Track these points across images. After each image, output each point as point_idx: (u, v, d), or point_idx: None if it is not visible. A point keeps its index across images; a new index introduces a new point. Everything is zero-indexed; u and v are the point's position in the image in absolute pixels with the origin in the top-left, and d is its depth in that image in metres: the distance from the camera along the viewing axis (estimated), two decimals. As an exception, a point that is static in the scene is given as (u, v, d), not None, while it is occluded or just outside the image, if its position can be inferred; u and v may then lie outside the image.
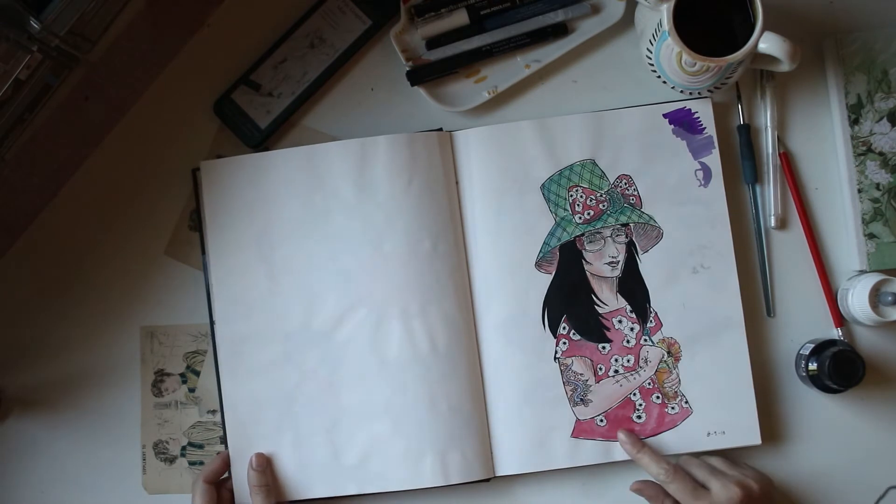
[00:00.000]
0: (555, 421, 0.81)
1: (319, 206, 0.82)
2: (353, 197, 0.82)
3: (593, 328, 0.82)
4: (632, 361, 0.81)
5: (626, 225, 0.82)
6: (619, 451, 0.80)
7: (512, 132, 0.83)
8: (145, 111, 0.86)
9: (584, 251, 0.82)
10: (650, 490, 0.78)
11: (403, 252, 0.81)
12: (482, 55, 0.85)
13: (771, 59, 0.76)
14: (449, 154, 0.83)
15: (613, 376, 0.81)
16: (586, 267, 0.82)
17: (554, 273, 0.82)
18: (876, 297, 0.79)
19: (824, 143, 0.84)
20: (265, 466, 0.80)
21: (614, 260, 0.82)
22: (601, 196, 0.82)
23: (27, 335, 0.85)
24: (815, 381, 0.80)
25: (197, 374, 0.85)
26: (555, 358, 0.81)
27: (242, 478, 0.81)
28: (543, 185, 0.82)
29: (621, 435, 0.80)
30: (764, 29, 0.74)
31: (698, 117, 0.82)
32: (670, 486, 0.76)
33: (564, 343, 0.82)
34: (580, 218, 0.82)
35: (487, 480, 0.81)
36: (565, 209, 0.82)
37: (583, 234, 0.82)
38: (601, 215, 0.82)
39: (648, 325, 0.81)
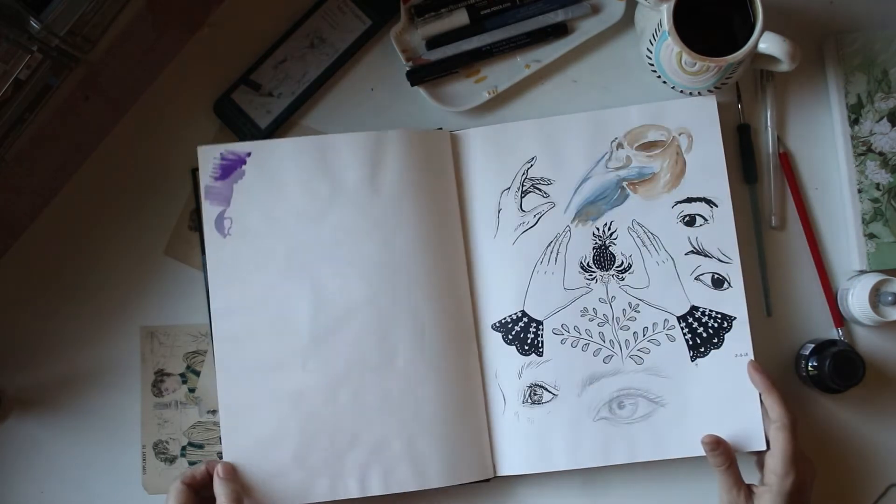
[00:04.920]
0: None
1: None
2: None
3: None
4: (632, 361, 0.81)
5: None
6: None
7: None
8: (145, 111, 0.86)
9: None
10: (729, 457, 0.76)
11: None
12: (482, 55, 0.85)
13: (771, 59, 0.76)
14: (449, 153, 0.83)
15: (613, 376, 0.81)
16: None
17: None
18: (876, 297, 0.79)
19: (824, 143, 0.84)
20: (232, 474, 0.77)
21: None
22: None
23: (27, 335, 0.85)
24: (815, 381, 0.80)
25: (197, 374, 0.85)
26: (555, 358, 0.81)
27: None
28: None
29: (752, 366, 0.78)
30: (764, 29, 0.74)
31: None
32: (784, 434, 0.73)
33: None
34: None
35: (487, 481, 0.81)
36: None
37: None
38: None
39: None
